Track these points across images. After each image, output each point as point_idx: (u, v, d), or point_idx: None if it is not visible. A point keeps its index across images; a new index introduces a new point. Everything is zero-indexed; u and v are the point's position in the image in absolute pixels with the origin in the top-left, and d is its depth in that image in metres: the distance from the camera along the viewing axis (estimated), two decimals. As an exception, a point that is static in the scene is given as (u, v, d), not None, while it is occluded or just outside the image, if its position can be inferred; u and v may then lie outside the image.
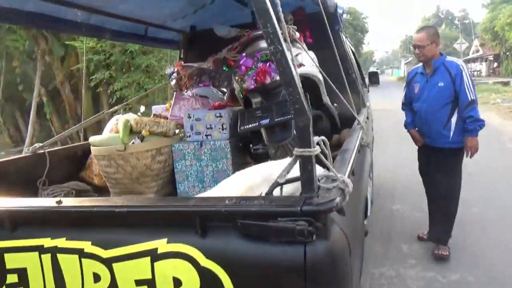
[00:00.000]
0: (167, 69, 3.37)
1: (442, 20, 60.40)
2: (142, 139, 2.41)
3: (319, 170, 1.50)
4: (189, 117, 2.56)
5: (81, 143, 3.03)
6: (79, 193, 2.87)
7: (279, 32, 0.99)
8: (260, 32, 2.29)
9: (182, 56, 4.23)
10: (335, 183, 1.05)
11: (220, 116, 2.48)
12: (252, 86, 2.09)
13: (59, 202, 1.23)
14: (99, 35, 3.18)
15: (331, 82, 2.33)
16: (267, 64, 2.03)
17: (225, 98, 2.94)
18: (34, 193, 2.66)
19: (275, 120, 1.92)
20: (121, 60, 8.27)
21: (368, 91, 5.53)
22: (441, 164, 3.22)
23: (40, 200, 1.32)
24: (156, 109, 3.64)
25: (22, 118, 14.01)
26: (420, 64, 3.31)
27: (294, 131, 2.14)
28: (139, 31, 3.68)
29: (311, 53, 2.52)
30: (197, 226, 1.05)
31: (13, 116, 14.13)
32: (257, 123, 1.95)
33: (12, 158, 2.60)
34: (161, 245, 1.10)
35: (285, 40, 2.26)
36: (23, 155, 2.67)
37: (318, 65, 2.63)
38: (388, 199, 5.11)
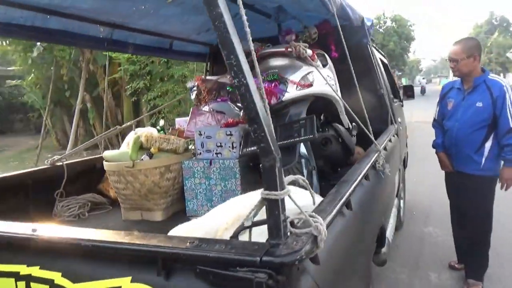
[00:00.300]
0: (189, 83, 3.37)
1: (496, 27, 57.14)
2: (151, 156, 2.40)
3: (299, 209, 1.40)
4: (200, 134, 2.52)
5: (100, 155, 3.09)
6: (95, 205, 2.93)
7: (244, 64, 0.91)
8: (270, 49, 2.22)
9: (208, 69, 4.25)
10: (307, 229, 0.95)
11: (231, 135, 2.43)
12: None
13: (34, 230, 1.21)
14: (122, 50, 3.24)
15: (344, 102, 2.20)
16: (273, 84, 1.95)
17: (241, 114, 2.88)
18: (52, 204, 2.74)
19: (278, 143, 1.82)
20: (155, 70, 8.51)
21: (402, 105, 5.27)
22: (469, 193, 2.92)
23: (17, 225, 1.31)
24: (179, 122, 3.65)
25: (69, 122, 14.77)
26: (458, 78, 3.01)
27: (306, 153, 2.04)
28: (164, 44, 3.73)
29: (327, 71, 2.41)
30: (159, 267, 0.99)
31: (61, 121, 14.94)
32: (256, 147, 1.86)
33: (31, 170, 2.68)
34: (125, 283, 1.05)
35: (300, 58, 2.18)
36: (42, 167, 2.75)
37: (335, 82, 2.51)
38: (421, 221, 4.82)
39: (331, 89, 2.09)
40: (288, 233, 0.95)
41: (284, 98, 1.96)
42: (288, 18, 3.35)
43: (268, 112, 0.98)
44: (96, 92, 11.81)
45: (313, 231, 0.95)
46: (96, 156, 3.08)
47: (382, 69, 4.08)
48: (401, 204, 4.72)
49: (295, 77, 2.04)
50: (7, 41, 11.54)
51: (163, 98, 8.27)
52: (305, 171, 2.23)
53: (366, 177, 1.84)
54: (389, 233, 2.92)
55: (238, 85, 0.91)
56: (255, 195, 1.72)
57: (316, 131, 1.79)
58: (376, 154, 2.18)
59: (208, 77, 3.41)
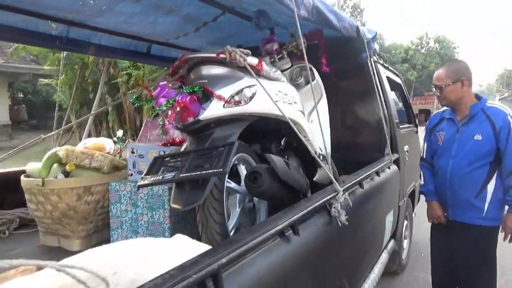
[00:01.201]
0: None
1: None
2: (67, 174, 2.03)
3: None
4: (133, 152, 2.13)
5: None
6: (30, 222, 2.59)
7: None
8: (199, 54, 1.81)
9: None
10: None
11: (164, 155, 2.01)
12: (169, 125, 1.61)
13: None
14: (80, 50, 2.93)
15: (295, 129, 1.72)
16: (188, 98, 1.53)
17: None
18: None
19: (180, 176, 1.39)
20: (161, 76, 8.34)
21: (417, 132, 4.67)
22: (468, 250, 2.34)
23: None
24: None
25: (94, 123, 14.95)
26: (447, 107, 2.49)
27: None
28: (140, 48, 3.41)
29: (279, 85, 1.95)
30: None
31: (86, 121, 15.15)
32: (161, 177, 1.44)
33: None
34: None
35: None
36: (-34, 174, 2.45)
37: (296, 101, 2.05)
38: (426, 266, 4.16)
39: (277, 108, 1.62)
40: None
41: (201, 117, 1.53)
42: (270, 24, 2.94)
43: None
44: (117, 96, 11.82)
45: None
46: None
47: (387, 89, 3.55)
48: (404, 245, 4.13)
49: (225, 91, 1.60)
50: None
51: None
52: (236, 210, 1.77)
53: (293, 229, 1.36)
54: (367, 289, 2.38)
55: None
56: (135, 245, 1.30)
57: (229, 164, 1.34)
58: (329, 196, 1.69)
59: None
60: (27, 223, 2.56)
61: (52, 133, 2.28)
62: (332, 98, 3.27)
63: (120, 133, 2.91)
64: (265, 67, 1.88)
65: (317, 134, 2.77)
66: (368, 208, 2.34)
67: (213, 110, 1.56)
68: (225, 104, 1.58)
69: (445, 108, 2.58)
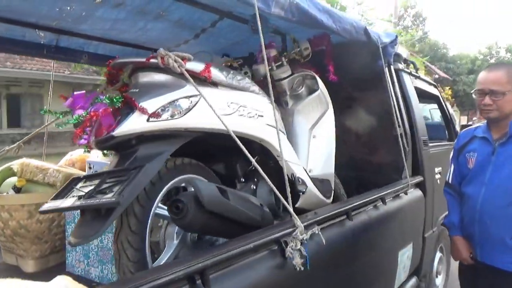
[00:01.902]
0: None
1: None
2: (18, 190, 1.89)
3: None
4: (90, 167, 1.95)
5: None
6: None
7: None
8: (129, 59, 1.58)
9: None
10: None
11: (117, 173, 1.80)
12: (83, 141, 1.38)
13: None
14: (72, 59, 2.86)
15: (241, 145, 1.41)
16: (101, 110, 1.29)
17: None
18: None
19: (76, 204, 1.16)
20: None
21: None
22: None
23: None
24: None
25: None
26: (480, 123, 2.04)
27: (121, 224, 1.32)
28: (144, 57, 3.29)
29: (236, 95, 1.66)
30: None
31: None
32: (59, 204, 1.21)
33: None
34: None
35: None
36: None
37: (261, 115, 1.74)
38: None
39: (222, 122, 1.34)
40: None
41: (116, 132, 1.29)
42: (269, 28, 2.68)
43: None
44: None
45: None
46: None
47: (414, 101, 3.09)
48: (438, 282, 3.57)
49: (152, 102, 1.34)
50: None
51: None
52: (174, 242, 1.50)
53: (202, 279, 1.06)
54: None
55: None
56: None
57: (130, 193, 1.08)
58: (283, 233, 1.36)
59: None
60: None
61: (14, 145, 2.20)
62: (344, 110, 2.90)
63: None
64: (217, 74, 1.60)
65: (316, 151, 2.42)
66: (359, 243, 1.95)
67: (132, 124, 1.32)
68: (150, 118, 1.33)
69: (478, 124, 2.11)
